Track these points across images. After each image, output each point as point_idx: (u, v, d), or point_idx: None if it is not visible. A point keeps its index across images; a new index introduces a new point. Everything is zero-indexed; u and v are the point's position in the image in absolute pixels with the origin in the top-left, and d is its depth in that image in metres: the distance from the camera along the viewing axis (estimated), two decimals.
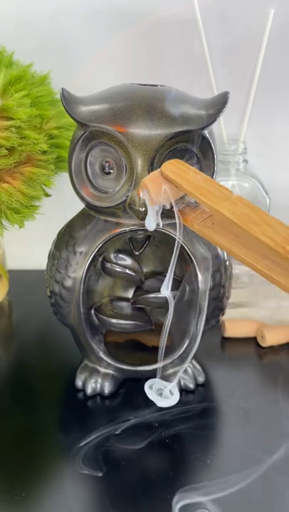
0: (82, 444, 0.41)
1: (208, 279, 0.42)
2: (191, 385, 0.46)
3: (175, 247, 0.36)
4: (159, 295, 0.44)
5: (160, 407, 0.44)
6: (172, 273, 0.36)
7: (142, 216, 0.38)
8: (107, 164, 0.39)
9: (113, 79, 0.43)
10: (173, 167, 0.34)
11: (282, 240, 0.27)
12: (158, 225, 0.36)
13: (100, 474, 0.38)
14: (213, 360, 0.51)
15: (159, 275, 0.45)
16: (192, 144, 0.38)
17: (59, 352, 0.52)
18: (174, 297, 0.43)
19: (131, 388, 0.47)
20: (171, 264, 0.36)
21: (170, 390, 0.38)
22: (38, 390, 0.48)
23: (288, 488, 0.37)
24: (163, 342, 0.38)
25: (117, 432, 0.42)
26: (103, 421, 0.43)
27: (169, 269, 0.36)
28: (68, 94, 0.38)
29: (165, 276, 0.44)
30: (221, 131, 0.62)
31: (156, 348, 0.48)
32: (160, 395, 0.38)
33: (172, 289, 0.43)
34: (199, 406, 0.45)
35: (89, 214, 0.42)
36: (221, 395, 0.46)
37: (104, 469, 0.39)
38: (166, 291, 0.37)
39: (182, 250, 0.41)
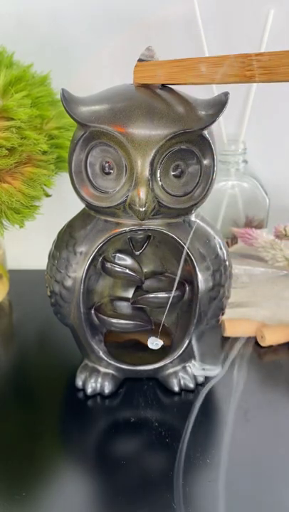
0: (82, 443, 0.41)
1: (208, 278, 0.42)
2: (191, 385, 0.46)
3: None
4: (159, 295, 0.44)
5: (160, 407, 0.44)
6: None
7: (142, 216, 0.38)
8: (107, 164, 0.39)
9: (113, 79, 0.43)
10: (142, 74, 0.39)
11: (242, 71, 0.32)
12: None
13: (100, 474, 0.38)
14: (213, 360, 0.51)
15: (159, 275, 0.45)
16: (192, 144, 0.38)
17: (59, 352, 0.53)
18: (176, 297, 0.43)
19: (131, 388, 0.47)
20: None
21: None
22: (38, 389, 0.48)
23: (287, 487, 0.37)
24: None
25: (117, 432, 0.42)
26: (103, 420, 0.43)
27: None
28: (68, 95, 0.38)
29: (165, 276, 0.45)
30: (221, 131, 0.62)
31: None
32: None
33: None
34: (199, 406, 0.45)
35: (89, 214, 0.42)
36: (221, 394, 0.46)
37: (104, 469, 0.39)
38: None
39: (182, 250, 0.41)
